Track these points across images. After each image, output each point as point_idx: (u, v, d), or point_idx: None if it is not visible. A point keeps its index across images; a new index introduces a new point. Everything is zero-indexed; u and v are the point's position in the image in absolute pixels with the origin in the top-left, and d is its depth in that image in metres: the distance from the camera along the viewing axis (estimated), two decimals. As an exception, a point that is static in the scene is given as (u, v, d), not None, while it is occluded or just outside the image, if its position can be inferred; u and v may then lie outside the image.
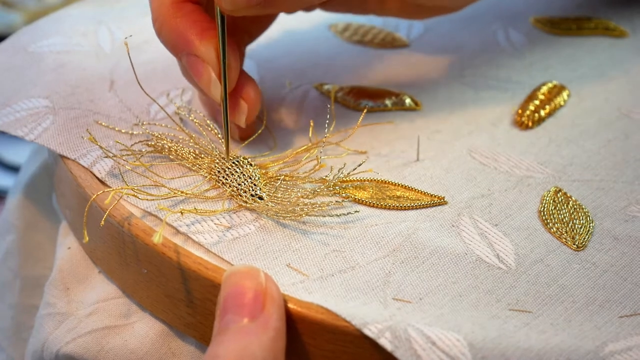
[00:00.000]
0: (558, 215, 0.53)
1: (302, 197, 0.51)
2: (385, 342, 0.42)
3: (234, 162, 0.53)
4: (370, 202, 0.53)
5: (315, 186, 0.53)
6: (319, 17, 0.71)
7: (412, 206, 0.53)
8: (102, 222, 0.50)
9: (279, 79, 0.64)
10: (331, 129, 0.57)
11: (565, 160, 0.58)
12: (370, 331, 0.43)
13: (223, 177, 0.53)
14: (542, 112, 0.62)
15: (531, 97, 0.63)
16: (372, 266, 0.48)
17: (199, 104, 0.60)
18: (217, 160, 0.54)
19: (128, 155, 0.54)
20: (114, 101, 0.60)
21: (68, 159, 0.55)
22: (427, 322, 0.44)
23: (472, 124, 0.61)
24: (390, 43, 0.69)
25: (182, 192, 0.52)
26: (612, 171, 0.57)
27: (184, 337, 0.51)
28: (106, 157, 0.54)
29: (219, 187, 0.53)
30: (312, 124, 0.57)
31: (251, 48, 0.66)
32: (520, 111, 0.61)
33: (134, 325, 0.52)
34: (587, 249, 0.51)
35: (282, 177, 0.54)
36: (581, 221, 0.53)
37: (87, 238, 0.51)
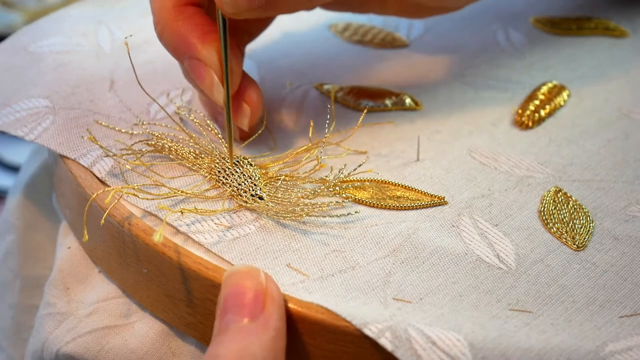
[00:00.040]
0: (558, 215, 0.53)
1: (303, 197, 0.51)
2: (385, 342, 0.42)
3: (234, 162, 0.53)
4: (370, 202, 0.53)
5: (316, 186, 0.53)
6: (319, 17, 0.71)
7: (412, 206, 0.53)
8: (102, 221, 0.50)
9: (279, 79, 0.64)
10: (331, 129, 0.57)
11: (565, 160, 0.58)
12: (370, 331, 0.43)
13: (223, 177, 0.53)
14: (542, 112, 0.62)
15: (531, 97, 0.63)
16: (373, 266, 0.48)
17: (199, 104, 0.60)
18: (218, 160, 0.54)
19: (128, 154, 0.54)
20: (114, 101, 0.60)
21: (68, 158, 0.55)
22: (427, 322, 0.44)
23: (472, 124, 0.61)
24: (390, 43, 0.69)
25: (182, 192, 0.52)
26: (612, 171, 0.57)
27: (184, 337, 0.51)
28: (106, 156, 0.54)
29: (219, 187, 0.53)
30: (312, 124, 0.57)
31: (251, 48, 0.66)
32: (520, 111, 0.61)
33: (134, 325, 0.52)
34: (587, 249, 0.51)
35: (283, 177, 0.54)
36: (581, 221, 0.53)
37: (87, 237, 0.51)
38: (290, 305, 0.45)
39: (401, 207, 0.53)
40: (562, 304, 0.47)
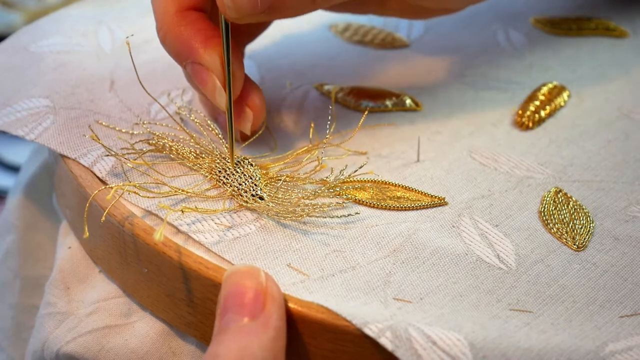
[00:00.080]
0: (558, 215, 0.53)
1: (303, 197, 0.52)
2: (385, 342, 0.42)
3: (234, 163, 0.53)
4: (370, 203, 0.53)
5: (316, 187, 0.53)
6: (319, 17, 0.71)
7: (413, 207, 0.53)
8: (103, 218, 0.50)
9: (280, 79, 0.64)
10: (331, 130, 0.57)
11: (565, 160, 0.58)
12: (370, 331, 0.43)
13: (224, 177, 0.53)
14: (543, 113, 0.62)
15: (531, 97, 0.63)
16: (373, 266, 0.48)
17: (200, 104, 0.60)
18: (218, 160, 0.54)
19: (129, 153, 0.54)
20: (114, 101, 0.60)
21: (68, 158, 0.55)
22: (427, 322, 0.44)
23: (473, 125, 0.61)
24: (390, 43, 0.69)
25: (183, 191, 0.52)
26: (612, 172, 0.57)
27: (184, 336, 0.51)
28: (107, 155, 0.54)
29: (220, 186, 0.53)
30: (312, 125, 0.57)
31: (251, 48, 0.66)
32: (520, 112, 0.62)
33: (135, 325, 0.52)
34: (588, 249, 0.51)
35: (283, 177, 0.54)
36: (581, 221, 0.53)
37: (88, 233, 0.51)
38: (291, 305, 0.45)
39: (401, 207, 0.53)
40: (563, 304, 0.47)
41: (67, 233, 0.58)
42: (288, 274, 0.47)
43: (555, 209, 0.53)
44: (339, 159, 0.56)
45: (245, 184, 0.52)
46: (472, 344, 0.43)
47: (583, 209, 0.54)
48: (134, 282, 0.51)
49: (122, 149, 0.54)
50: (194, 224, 0.50)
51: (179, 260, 0.47)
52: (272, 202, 0.51)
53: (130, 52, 0.53)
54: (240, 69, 0.53)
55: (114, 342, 0.52)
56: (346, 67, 0.66)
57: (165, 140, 0.55)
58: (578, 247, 0.51)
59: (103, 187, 0.51)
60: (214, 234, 0.49)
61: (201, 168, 0.54)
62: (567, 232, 0.52)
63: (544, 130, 0.61)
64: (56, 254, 0.58)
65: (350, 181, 0.54)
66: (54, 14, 0.70)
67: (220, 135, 0.56)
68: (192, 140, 0.56)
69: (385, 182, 0.54)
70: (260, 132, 0.57)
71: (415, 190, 0.54)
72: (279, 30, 0.69)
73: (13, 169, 1.26)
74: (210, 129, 0.57)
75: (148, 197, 0.51)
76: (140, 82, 0.55)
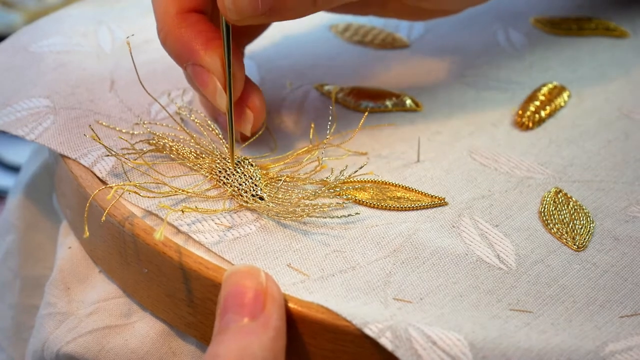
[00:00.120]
0: (558, 215, 0.53)
1: (303, 198, 0.52)
2: (385, 342, 0.42)
3: (235, 163, 0.53)
4: (370, 203, 0.53)
5: (316, 187, 0.53)
6: (319, 17, 0.71)
7: (413, 207, 0.53)
8: (103, 218, 0.50)
9: (280, 79, 0.64)
10: (332, 130, 0.57)
11: (565, 161, 0.58)
12: (370, 331, 0.43)
13: (224, 177, 0.53)
14: (543, 113, 0.62)
15: (531, 97, 0.63)
16: (373, 266, 0.48)
17: (200, 105, 0.60)
18: (218, 160, 0.54)
19: (130, 153, 0.54)
20: (114, 101, 0.60)
21: (69, 158, 0.55)
22: (427, 322, 0.44)
23: (473, 125, 0.61)
24: (390, 44, 0.69)
25: (183, 191, 0.52)
26: (612, 172, 0.57)
27: (184, 336, 0.51)
28: (107, 156, 0.54)
29: (220, 187, 0.53)
30: (312, 126, 0.57)
31: (251, 49, 0.66)
32: (520, 112, 0.62)
33: (135, 325, 0.52)
34: (588, 249, 0.51)
35: (283, 178, 0.54)
36: (581, 222, 0.53)
37: (88, 233, 0.51)
38: (291, 305, 0.45)
39: (402, 207, 0.53)
40: (563, 304, 0.47)
41: (67, 233, 0.58)
42: (288, 274, 0.47)
43: (555, 209, 0.53)
44: (339, 160, 0.56)
45: (246, 184, 0.52)
46: (472, 344, 0.43)
47: (583, 209, 0.54)
48: (134, 282, 0.51)
49: (122, 149, 0.54)
50: (194, 224, 0.50)
51: (179, 260, 0.47)
52: (272, 202, 0.51)
53: (130, 52, 0.53)
54: (240, 71, 0.53)
55: (114, 342, 0.52)
56: (346, 67, 0.66)
57: (166, 141, 0.55)
58: (578, 247, 0.51)
59: (103, 187, 0.51)
60: (214, 234, 0.49)
61: (201, 168, 0.54)
62: (567, 232, 0.52)
63: (544, 131, 0.61)
64: (56, 254, 0.58)
65: (351, 181, 0.54)
66: (54, 14, 0.70)
67: (220, 136, 0.56)
68: (192, 141, 0.56)
69: (386, 183, 0.54)
70: (261, 132, 0.57)
71: (416, 190, 0.54)
72: (279, 30, 0.69)
73: (13, 169, 1.26)
74: (211, 129, 0.57)
75: (148, 197, 0.51)
76: (140, 82, 0.55)
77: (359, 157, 0.57)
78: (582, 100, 0.64)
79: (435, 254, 0.49)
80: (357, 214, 0.51)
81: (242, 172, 0.53)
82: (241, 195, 0.52)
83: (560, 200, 0.54)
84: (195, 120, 0.57)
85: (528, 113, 0.61)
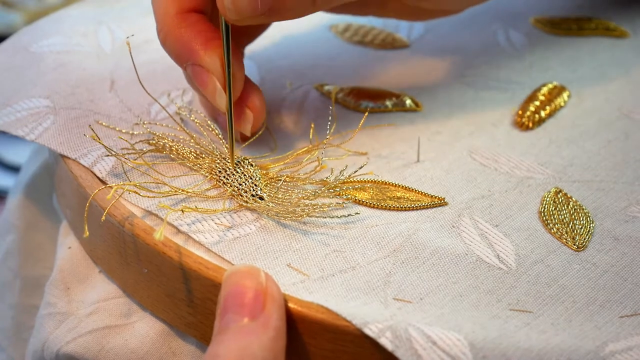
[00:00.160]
0: (558, 215, 0.53)
1: (303, 198, 0.52)
2: (385, 342, 0.42)
3: (234, 163, 0.53)
4: (370, 203, 0.53)
5: (316, 187, 0.53)
6: (319, 17, 0.71)
7: (413, 207, 0.53)
8: (103, 218, 0.50)
9: (280, 79, 0.64)
10: (332, 130, 0.57)
11: (565, 161, 0.58)
12: (370, 331, 0.43)
13: (224, 177, 0.53)
14: (543, 113, 0.62)
15: (531, 97, 0.63)
16: (373, 266, 0.48)
17: (200, 105, 0.60)
18: (218, 160, 0.54)
19: (130, 153, 0.54)
20: (114, 101, 0.60)
21: (69, 158, 0.55)
22: (427, 322, 0.44)
23: (473, 125, 0.61)
24: (390, 44, 0.69)
25: (183, 190, 0.52)
26: (612, 172, 0.57)
27: (184, 336, 0.51)
28: (107, 156, 0.54)
29: (220, 186, 0.53)
30: (312, 126, 0.57)
31: (252, 49, 0.66)
32: (520, 112, 0.62)
33: (135, 325, 0.52)
34: (588, 249, 0.51)
35: (283, 178, 0.54)
36: (581, 222, 0.53)
37: (88, 233, 0.51)
38: (291, 305, 0.45)
39: (401, 207, 0.53)
40: (563, 304, 0.47)
41: (67, 233, 0.58)
42: (288, 274, 0.47)
43: (555, 209, 0.53)
44: (339, 160, 0.56)
45: (246, 184, 0.52)
46: (472, 344, 0.43)
47: (583, 209, 0.54)
48: (134, 282, 0.51)
49: (122, 149, 0.54)
50: (194, 224, 0.50)
51: (179, 260, 0.47)
52: (272, 202, 0.51)
53: (130, 52, 0.53)
54: (240, 71, 0.53)
55: (114, 342, 0.52)
56: (346, 67, 0.66)
57: (166, 141, 0.55)
58: (578, 247, 0.51)
59: (103, 187, 0.51)
60: (214, 234, 0.49)
61: (201, 168, 0.54)
62: (567, 232, 0.52)
63: (544, 131, 0.61)
64: (56, 254, 0.58)
65: (351, 181, 0.54)
66: (54, 14, 0.70)
67: (220, 136, 0.56)
68: (192, 141, 0.56)
69: (385, 183, 0.54)
70: (260, 132, 0.57)
71: (415, 190, 0.54)
72: (279, 30, 0.69)
73: (13, 169, 1.26)
74: (211, 129, 0.57)
75: (148, 197, 0.51)
76: (140, 83, 0.55)
77: (359, 157, 0.57)
78: (582, 100, 0.64)
79: (435, 254, 0.49)
80: (357, 214, 0.51)
81: (242, 172, 0.53)
82: (241, 195, 0.52)
83: (560, 200, 0.54)
84: (195, 120, 0.57)
85: (528, 113, 0.61)
